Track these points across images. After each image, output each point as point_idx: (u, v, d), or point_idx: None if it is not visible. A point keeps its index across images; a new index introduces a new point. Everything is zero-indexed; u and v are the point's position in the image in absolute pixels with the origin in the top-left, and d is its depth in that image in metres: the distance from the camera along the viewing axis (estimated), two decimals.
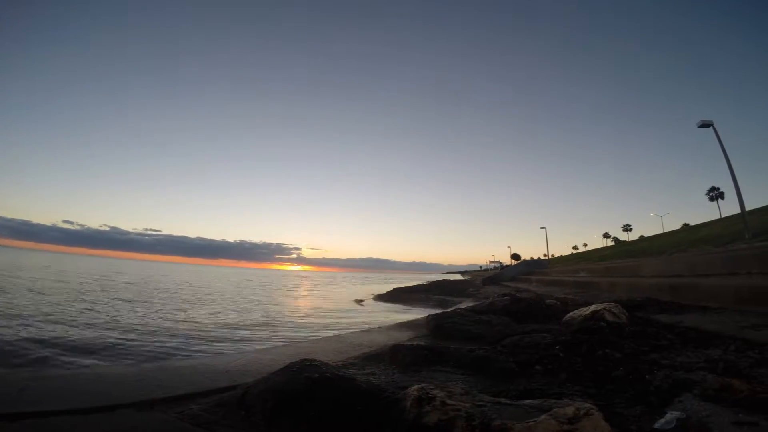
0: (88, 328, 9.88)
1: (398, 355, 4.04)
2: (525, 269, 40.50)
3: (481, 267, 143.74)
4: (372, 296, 27.45)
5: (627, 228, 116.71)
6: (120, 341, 8.50)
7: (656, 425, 2.13)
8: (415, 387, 2.30)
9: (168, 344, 8.50)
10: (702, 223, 58.81)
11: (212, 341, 9.14)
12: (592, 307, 5.52)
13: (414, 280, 46.39)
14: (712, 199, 78.57)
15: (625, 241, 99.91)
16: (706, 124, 20.34)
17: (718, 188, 77.01)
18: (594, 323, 5.07)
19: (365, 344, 5.15)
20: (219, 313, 15.09)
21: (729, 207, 65.94)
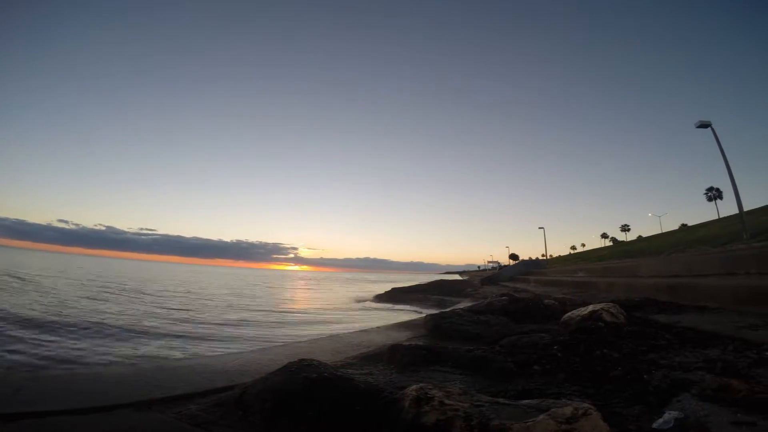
0: (90, 327, 9.87)
1: (396, 355, 4.03)
2: (523, 269, 40.51)
3: (479, 267, 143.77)
4: (370, 296, 27.44)
5: (625, 228, 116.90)
6: (119, 341, 8.49)
7: (655, 425, 2.13)
8: (414, 387, 2.30)
9: (166, 344, 8.49)
10: (700, 224, 58.93)
11: (210, 341, 9.13)
12: (591, 307, 5.52)
13: (412, 280, 46.40)
14: (710, 199, 78.73)
15: (623, 242, 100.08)
16: (704, 125, 20.38)
17: (717, 188, 77.17)
18: (592, 323, 5.08)
19: (363, 344, 5.15)
20: (217, 312, 15.07)
21: (727, 207, 66.12)
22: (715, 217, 64.47)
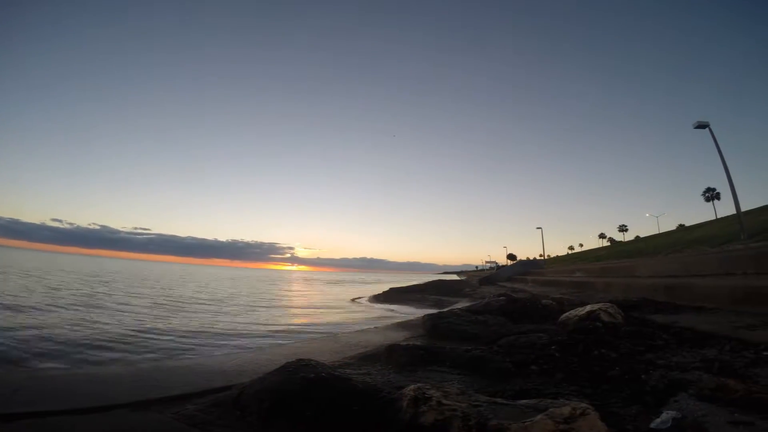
0: (91, 327, 9.83)
1: (394, 355, 4.03)
2: (521, 269, 40.58)
3: (477, 267, 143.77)
4: (368, 296, 27.41)
5: (623, 228, 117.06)
6: (116, 341, 8.46)
7: (652, 425, 2.13)
8: (412, 387, 2.30)
9: (164, 344, 8.46)
10: (698, 224, 59.06)
11: (208, 341, 9.10)
12: (588, 308, 5.53)
13: (409, 281, 46.38)
14: (708, 199, 78.97)
15: (620, 242, 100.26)
16: (702, 125, 20.43)
17: (714, 189, 77.40)
18: (590, 323, 5.09)
19: (361, 344, 5.15)
20: (215, 312, 15.05)
21: (725, 208, 66.33)
22: (712, 217, 64.63)
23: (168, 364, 4.86)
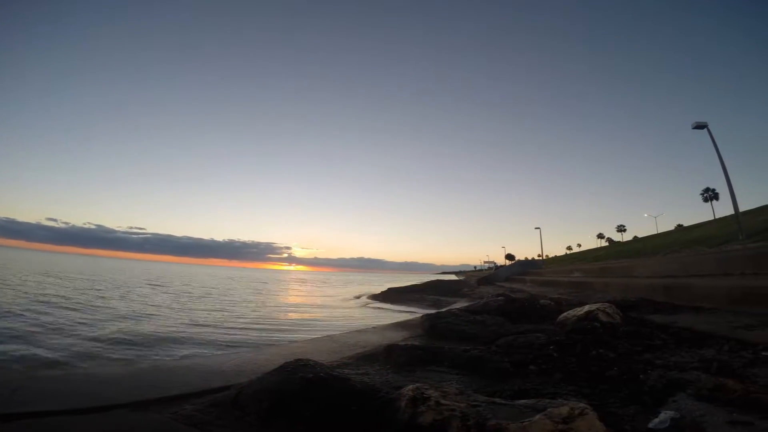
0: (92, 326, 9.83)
1: (393, 355, 4.03)
2: (519, 269, 40.61)
3: (475, 267, 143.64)
4: (366, 296, 27.42)
5: (621, 228, 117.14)
6: (113, 341, 8.46)
7: (650, 425, 2.14)
8: (410, 387, 2.30)
9: (162, 344, 8.46)
10: (696, 224, 59.09)
11: (206, 341, 9.10)
12: (586, 308, 5.54)
13: (407, 281, 46.37)
14: (706, 200, 79.05)
15: (619, 242, 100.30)
16: (700, 126, 20.46)
17: (713, 189, 77.47)
18: (588, 323, 5.09)
19: (360, 344, 5.15)
20: (213, 312, 15.03)
21: (723, 208, 66.35)
22: (711, 217, 64.68)
23: (167, 364, 4.86)
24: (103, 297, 18.22)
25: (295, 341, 7.22)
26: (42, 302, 14.28)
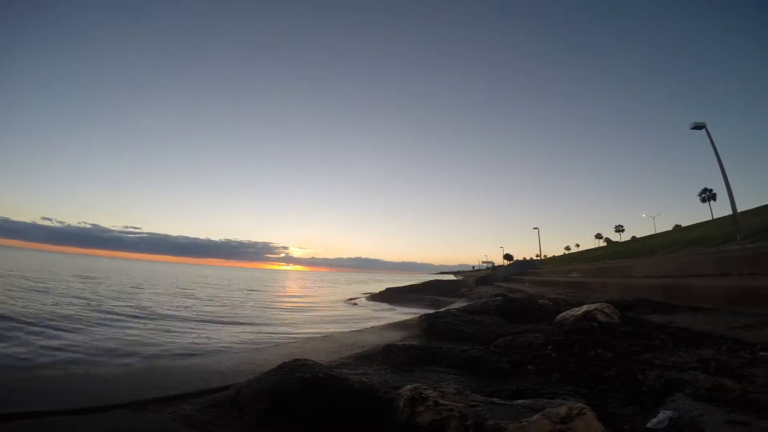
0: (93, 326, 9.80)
1: (391, 355, 4.03)
2: (517, 269, 40.62)
3: (473, 267, 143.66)
4: (364, 296, 27.40)
5: (619, 229, 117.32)
6: (110, 341, 8.44)
7: (649, 424, 2.14)
8: (408, 387, 2.30)
9: (160, 344, 8.44)
10: (694, 224, 59.18)
11: (204, 341, 9.08)
12: (585, 308, 5.54)
13: (405, 281, 46.35)
14: (704, 200, 79.15)
15: (617, 242, 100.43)
16: (698, 126, 20.49)
17: (711, 189, 77.59)
18: (586, 323, 5.10)
19: (358, 344, 5.15)
20: (211, 312, 15.01)
21: (721, 208, 66.51)
22: (709, 218, 64.78)
23: (165, 364, 4.85)
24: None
25: (294, 341, 7.23)
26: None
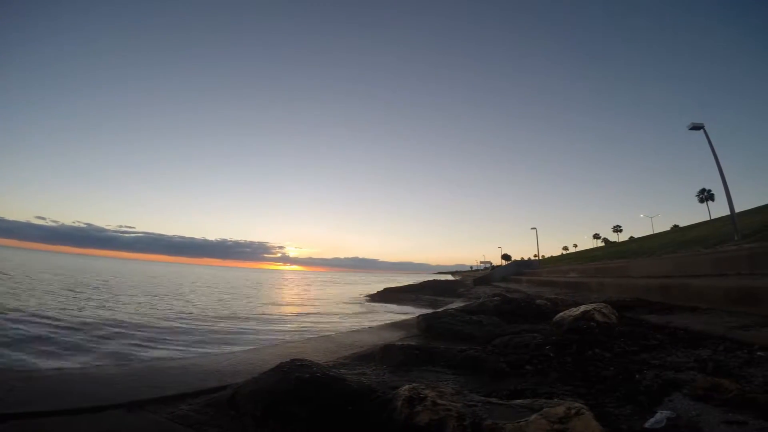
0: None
1: (389, 355, 4.03)
2: (515, 270, 40.63)
3: (471, 267, 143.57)
4: (363, 296, 27.41)
5: (617, 229, 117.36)
6: (108, 341, 8.43)
7: (646, 424, 2.14)
8: (406, 387, 2.30)
9: (159, 344, 8.43)
10: (692, 225, 59.28)
11: (202, 341, 9.07)
12: (582, 308, 5.54)
13: (403, 281, 46.37)
14: (702, 200, 79.22)
15: (615, 242, 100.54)
16: (696, 127, 20.50)
17: (709, 190, 77.65)
18: (584, 323, 5.10)
19: (356, 344, 5.14)
20: (210, 312, 15.00)
21: (719, 209, 66.54)
22: (706, 218, 64.90)
23: (162, 364, 4.83)
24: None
25: (291, 341, 7.21)
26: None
